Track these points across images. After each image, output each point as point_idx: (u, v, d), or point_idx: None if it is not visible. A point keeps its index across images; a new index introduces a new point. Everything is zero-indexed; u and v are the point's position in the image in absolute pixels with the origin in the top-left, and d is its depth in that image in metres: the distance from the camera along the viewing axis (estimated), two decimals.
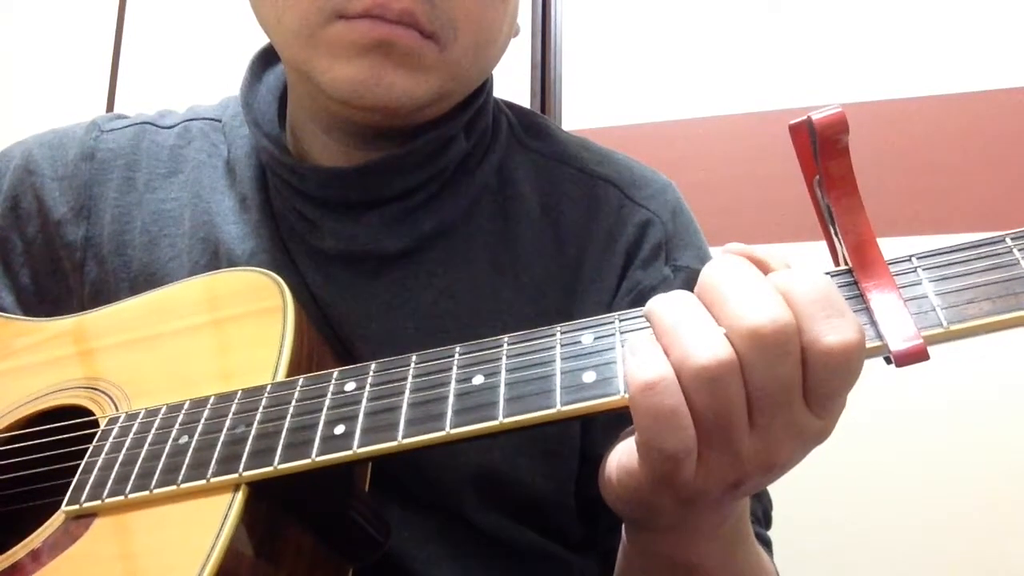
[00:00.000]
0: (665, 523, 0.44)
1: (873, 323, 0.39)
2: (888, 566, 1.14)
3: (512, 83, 1.42)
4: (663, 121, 1.38)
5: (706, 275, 0.40)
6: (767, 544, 0.62)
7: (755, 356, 0.37)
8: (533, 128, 0.72)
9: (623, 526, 0.51)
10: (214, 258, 0.65)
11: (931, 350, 0.38)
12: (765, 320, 0.36)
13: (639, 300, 0.63)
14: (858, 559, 1.15)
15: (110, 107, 1.75)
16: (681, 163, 1.29)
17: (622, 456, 0.42)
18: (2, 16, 1.87)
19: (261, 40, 0.68)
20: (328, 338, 0.61)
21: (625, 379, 0.40)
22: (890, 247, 0.41)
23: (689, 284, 0.59)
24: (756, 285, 0.38)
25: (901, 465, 1.16)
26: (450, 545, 0.60)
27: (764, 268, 0.40)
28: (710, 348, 0.37)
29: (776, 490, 0.63)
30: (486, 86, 0.68)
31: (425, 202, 0.64)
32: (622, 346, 0.42)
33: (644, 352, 0.39)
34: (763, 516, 0.64)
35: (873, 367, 0.41)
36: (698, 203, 0.72)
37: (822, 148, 0.41)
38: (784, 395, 0.37)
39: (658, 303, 0.40)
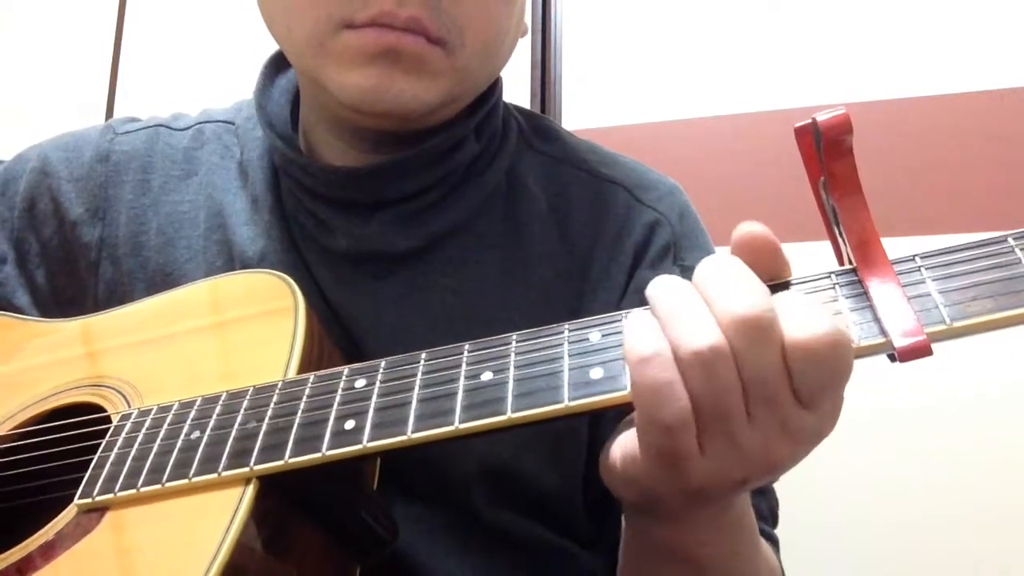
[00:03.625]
0: (665, 511, 0.44)
1: (876, 320, 0.40)
2: (890, 565, 1.15)
3: (512, 83, 1.42)
4: (663, 121, 1.39)
5: (700, 269, 0.42)
6: (774, 542, 0.63)
7: (743, 344, 0.38)
8: (542, 131, 0.73)
9: (623, 515, 0.51)
10: (229, 259, 0.66)
11: (934, 348, 0.38)
12: (746, 308, 0.38)
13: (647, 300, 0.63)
14: (860, 558, 1.16)
15: (110, 107, 1.75)
16: (681, 163, 1.30)
17: (627, 442, 0.43)
18: (2, 16, 1.88)
19: (261, 41, 0.68)
20: (339, 338, 0.61)
21: (624, 354, 0.41)
22: (890, 247, 0.42)
23: None
24: (743, 279, 0.40)
25: (902, 464, 1.16)
26: (458, 540, 0.60)
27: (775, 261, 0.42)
28: (705, 334, 0.39)
29: (779, 488, 0.64)
30: (496, 89, 0.69)
31: (436, 203, 0.64)
32: None
33: (642, 328, 0.40)
34: (769, 514, 0.65)
35: (876, 366, 0.42)
36: (699, 203, 0.73)
37: (826, 149, 0.41)
38: (772, 385, 0.39)
39: (658, 288, 0.42)
